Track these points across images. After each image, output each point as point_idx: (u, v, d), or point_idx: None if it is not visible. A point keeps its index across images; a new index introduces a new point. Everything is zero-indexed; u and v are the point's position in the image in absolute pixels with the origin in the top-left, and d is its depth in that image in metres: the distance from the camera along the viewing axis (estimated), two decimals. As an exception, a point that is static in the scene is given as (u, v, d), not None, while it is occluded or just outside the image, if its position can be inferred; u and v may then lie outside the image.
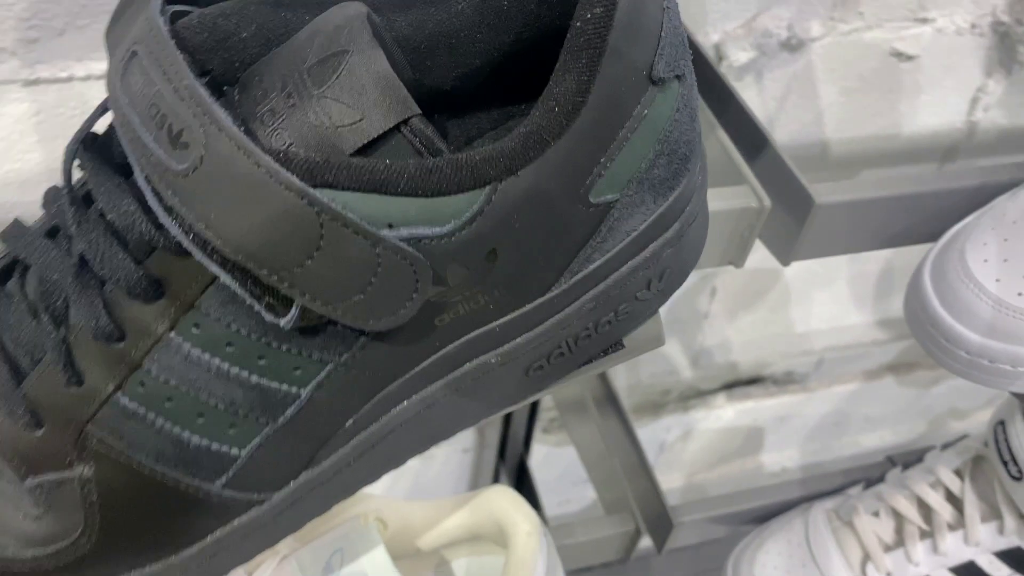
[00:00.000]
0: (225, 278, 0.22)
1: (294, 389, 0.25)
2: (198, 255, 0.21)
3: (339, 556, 0.36)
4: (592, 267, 0.26)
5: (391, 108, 0.22)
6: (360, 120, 0.22)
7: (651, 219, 0.26)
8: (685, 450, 0.88)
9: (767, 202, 0.34)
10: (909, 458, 0.53)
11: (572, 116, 0.23)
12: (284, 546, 0.36)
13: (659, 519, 0.50)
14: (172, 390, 0.24)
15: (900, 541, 0.49)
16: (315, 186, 0.21)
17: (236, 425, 0.25)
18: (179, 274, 0.23)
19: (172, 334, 0.23)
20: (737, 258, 0.37)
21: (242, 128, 0.21)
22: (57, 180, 0.43)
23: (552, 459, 0.79)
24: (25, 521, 0.25)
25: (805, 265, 0.76)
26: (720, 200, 0.34)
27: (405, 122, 0.22)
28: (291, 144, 0.22)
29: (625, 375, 0.78)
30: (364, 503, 0.38)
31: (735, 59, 0.56)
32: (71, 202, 0.24)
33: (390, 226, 0.22)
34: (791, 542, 0.51)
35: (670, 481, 0.89)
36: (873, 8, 0.56)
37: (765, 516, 0.54)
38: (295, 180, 0.20)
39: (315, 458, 0.27)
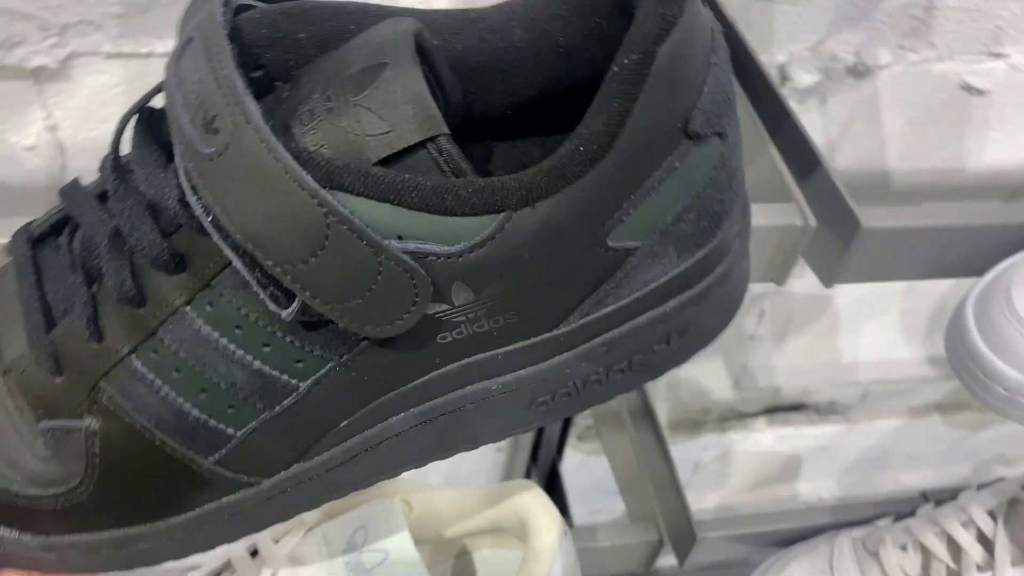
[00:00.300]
0: (236, 262, 0.23)
1: (293, 381, 0.25)
2: (214, 236, 0.22)
3: (363, 533, 0.37)
4: (604, 311, 0.25)
5: (420, 124, 0.22)
6: (388, 132, 0.22)
7: (673, 273, 0.26)
8: (720, 471, 0.88)
9: (812, 221, 0.35)
10: (943, 495, 0.52)
11: (597, 158, 0.23)
12: (311, 518, 0.37)
13: (683, 532, 0.51)
14: (180, 362, 0.25)
15: (927, 577, 0.49)
16: (331, 188, 0.22)
17: (235, 406, 0.26)
18: (200, 252, 0.24)
19: (188, 308, 0.24)
20: (779, 276, 0.37)
21: (280, 124, 0.22)
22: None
23: (584, 467, 0.79)
24: (33, 460, 0.26)
25: (856, 294, 0.75)
26: (765, 216, 0.35)
27: (432, 139, 0.23)
28: (323, 146, 0.22)
29: (665, 390, 0.78)
30: (392, 485, 0.38)
31: (799, 81, 0.56)
32: (113, 170, 0.25)
33: (400, 237, 0.22)
34: (815, 567, 0.50)
35: (702, 501, 0.89)
36: (946, 40, 0.56)
37: (791, 540, 0.54)
38: (309, 179, 0.21)
39: (307, 453, 0.27)
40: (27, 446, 0.26)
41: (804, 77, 0.57)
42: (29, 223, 0.28)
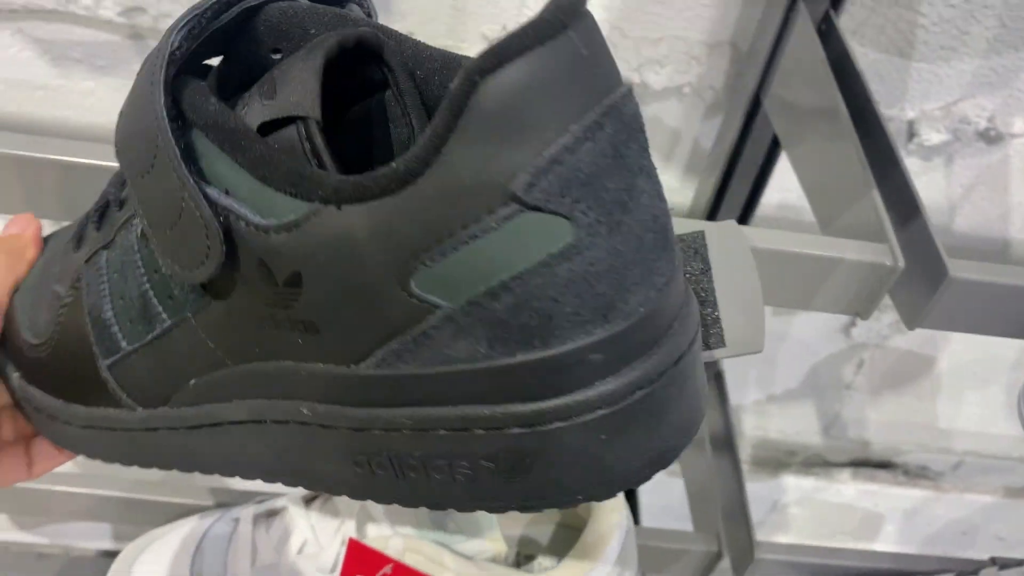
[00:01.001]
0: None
1: (164, 315, 0.26)
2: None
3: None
4: (404, 370, 0.22)
5: (296, 103, 0.22)
6: (272, 102, 0.23)
7: (485, 365, 0.21)
8: (797, 516, 0.87)
9: (901, 263, 0.37)
10: (1009, 561, 0.53)
11: (404, 183, 0.20)
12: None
13: (744, 550, 0.52)
14: (117, 267, 0.27)
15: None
16: (193, 126, 0.23)
17: (132, 321, 0.27)
18: None
19: (135, 220, 0.26)
20: (864, 310, 0.39)
21: (234, 104, 0.24)
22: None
23: (660, 488, 0.81)
24: (42, 313, 0.30)
25: (962, 360, 0.75)
26: (857, 252, 0.37)
27: (302, 120, 0.22)
28: (244, 109, 0.24)
29: (752, 423, 0.79)
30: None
31: (927, 138, 0.57)
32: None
33: (227, 192, 0.22)
34: (867, 607, 0.51)
35: (776, 539, 0.89)
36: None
37: (849, 578, 0.55)
38: (160, 102, 0.22)
39: (168, 400, 0.28)
40: (46, 303, 0.30)
41: (933, 136, 0.58)
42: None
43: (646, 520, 0.71)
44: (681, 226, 0.30)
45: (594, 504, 0.41)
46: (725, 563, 0.53)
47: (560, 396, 0.21)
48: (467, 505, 0.24)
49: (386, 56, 0.26)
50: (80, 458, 0.33)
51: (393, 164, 0.20)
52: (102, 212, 0.29)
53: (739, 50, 0.52)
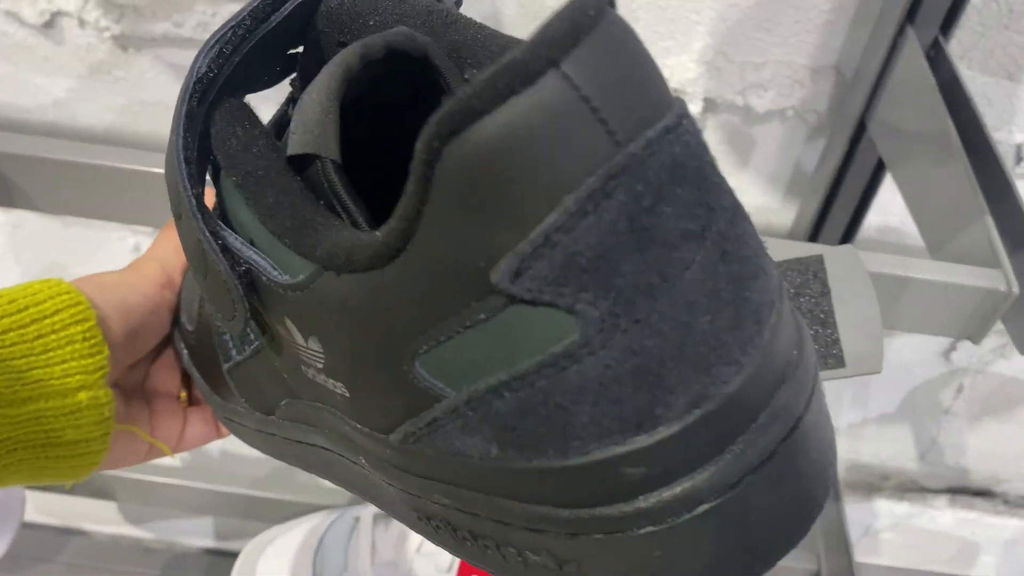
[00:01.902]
0: None
1: (251, 335, 0.25)
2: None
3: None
4: (423, 451, 0.19)
5: (316, 138, 0.20)
6: (293, 133, 0.21)
7: (493, 465, 0.18)
8: (890, 542, 0.86)
9: (1016, 288, 0.37)
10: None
11: (391, 255, 0.17)
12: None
13: (842, 570, 0.52)
14: None
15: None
16: (220, 166, 0.21)
17: (238, 335, 0.26)
18: None
19: None
20: (976, 335, 0.39)
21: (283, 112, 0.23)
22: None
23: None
24: (192, 302, 0.31)
25: (1068, 388, 0.73)
26: (970, 277, 0.37)
27: (320, 159, 0.20)
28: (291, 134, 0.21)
29: (845, 446, 0.78)
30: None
31: (1036, 163, 0.57)
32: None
33: (252, 242, 0.21)
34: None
35: (872, 560, 0.87)
36: None
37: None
38: (178, 142, 0.20)
39: (273, 411, 0.27)
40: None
41: (1042, 160, 0.57)
42: None
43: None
44: (798, 250, 0.31)
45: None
46: (823, 583, 0.53)
47: (596, 507, 0.17)
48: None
49: (431, 58, 0.21)
50: (186, 453, 0.35)
51: (378, 232, 0.17)
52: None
53: (843, 75, 0.53)
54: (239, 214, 0.21)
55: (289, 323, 0.21)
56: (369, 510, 0.48)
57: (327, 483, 0.28)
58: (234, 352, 0.27)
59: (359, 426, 0.21)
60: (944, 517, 0.83)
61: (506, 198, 0.15)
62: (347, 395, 0.21)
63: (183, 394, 0.35)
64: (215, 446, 0.72)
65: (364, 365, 0.19)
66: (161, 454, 0.34)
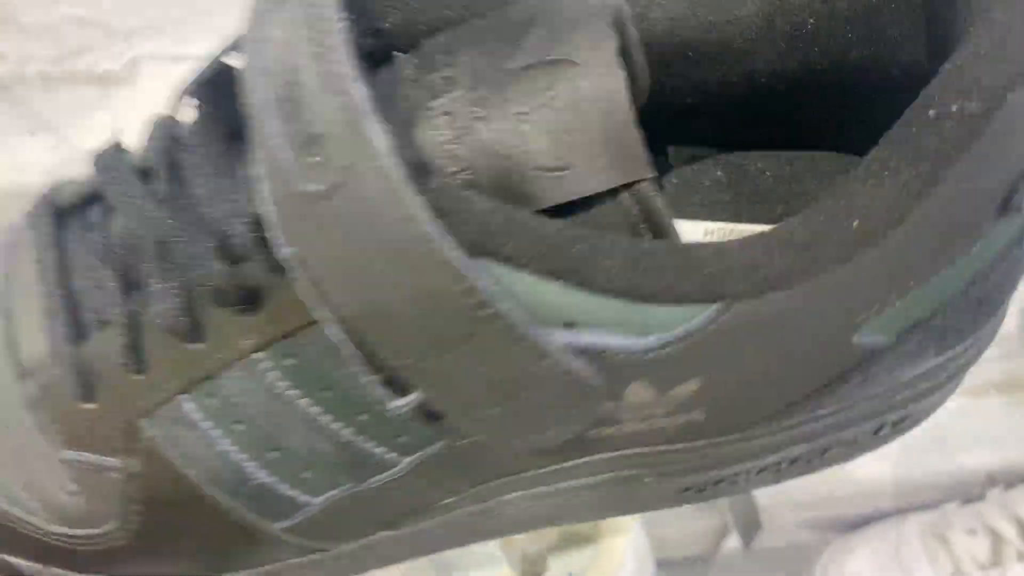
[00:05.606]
0: (335, 336, 0.17)
1: (392, 455, 0.20)
2: (307, 298, 0.17)
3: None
4: (821, 412, 0.20)
5: (615, 163, 0.16)
6: (565, 169, 0.16)
7: (921, 370, 0.20)
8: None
9: None
10: (1011, 478, 0.52)
11: (873, 239, 0.16)
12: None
13: (748, 518, 0.51)
14: (246, 416, 0.19)
15: (996, 561, 0.48)
16: (481, 254, 0.15)
17: (314, 472, 0.20)
18: (279, 294, 0.18)
19: (260, 355, 0.19)
20: None
21: (401, 120, 0.16)
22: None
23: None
24: (57, 491, 0.21)
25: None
26: None
27: (628, 186, 0.16)
28: (465, 170, 0.16)
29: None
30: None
31: None
32: (163, 152, 0.20)
33: (570, 325, 0.16)
34: (882, 552, 0.50)
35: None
36: None
37: (856, 524, 0.54)
38: (454, 256, 0.15)
39: (397, 523, 0.22)
40: (50, 472, 0.21)
41: None
42: (54, 186, 0.22)
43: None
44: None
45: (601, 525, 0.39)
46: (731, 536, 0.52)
47: (968, 366, 0.23)
48: (816, 469, 0.23)
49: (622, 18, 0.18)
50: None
51: (847, 219, 0.16)
52: (132, 344, 0.20)
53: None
54: (539, 303, 0.16)
55: (634, 389, 0.18)
56: None
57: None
58: (308, 496, 0.21)
59: (686, 445, 0.20)
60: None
61: (1013, 144, 0.16)
62: (693, 421, 0.19)
63: None
64: None
65: (767, 377, 0.19)
66: None
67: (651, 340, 0.17)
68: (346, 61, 0.15)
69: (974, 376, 0.82)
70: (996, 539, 0.49)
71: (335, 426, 0.19)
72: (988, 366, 0.86)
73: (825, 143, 0.23)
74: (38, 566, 0.23)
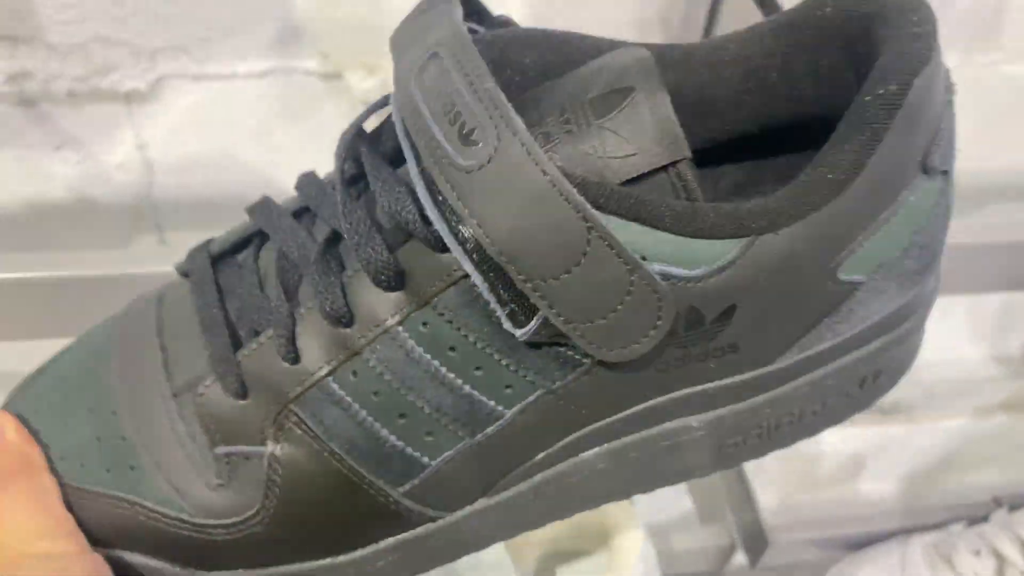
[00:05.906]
0: (476, 278, 0.22)
1: (500, 407, 0.25)
2: (457, 251, 0.22)
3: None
4: (821, 347, 0.26)
5: (666, 148, 0.22)
6: (633, 155, 0.22)
7: (890, 310, 0.26)
8: (782, 470, 0.87)
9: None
10: (1016, 500, 0.52)
11: (842, 187, 0.23)
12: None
13: (755, 536, 0.51)
14: (383, 384, 0.24)
15: (1000, 583, 0.49)
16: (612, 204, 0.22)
17: (434, 433, 0.25)
18: (425, 269, 0.23)
19: (400, 328, 0.24)
20: None
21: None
22: (229, 168, 0.47)
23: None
24: (204, 489, 0.25)
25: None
26: None
27: (674, 163, 0.22)
28: (562, 168, 0.22)
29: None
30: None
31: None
32: (343, 183, 0.25)
33: (644, 258, 0.22)
34: (886, 572, 0.50)
35: (764, 499, 0.88)
36: (1016, 42, 0.55)
37: (861, 543, 0.54)
38: (575, 194, 0.21)
39: (495, 486, 0.26)
40: (198, 474, 0.25)
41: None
42: (208, 241, 0.28)
43: (640, 500, 0.69)
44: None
45: (611, 532, 0.39)
46: (738, 554, 0.52)
47: (919, 310, 0.27)
48: (822, 428, 0.28)
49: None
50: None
51: (824, 174, 0.23)
52: (290, 337, 0.25)
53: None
54: (626, 238, 0.22)
55: (688, 315, 0.23)
56: None
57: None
58: (426, 458, 0.25)
59: (728, 381, 0.25)
60: (828, 437, 0.84)
61: (932, 109, 0.23)
62: (733, 352, 0.25)
63: None
64: None
65: (785, 301, 0.24)
66: None
67: (701, 270, 0.23)
68: (491, 81, 0.22)
69: (979, 396, 0.82)
70: (1000, 560, 0.49)
71: (457, 382, 0.24)
72: (993, 386, 0.86)
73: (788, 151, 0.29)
74: (172, 567, 0.26)
